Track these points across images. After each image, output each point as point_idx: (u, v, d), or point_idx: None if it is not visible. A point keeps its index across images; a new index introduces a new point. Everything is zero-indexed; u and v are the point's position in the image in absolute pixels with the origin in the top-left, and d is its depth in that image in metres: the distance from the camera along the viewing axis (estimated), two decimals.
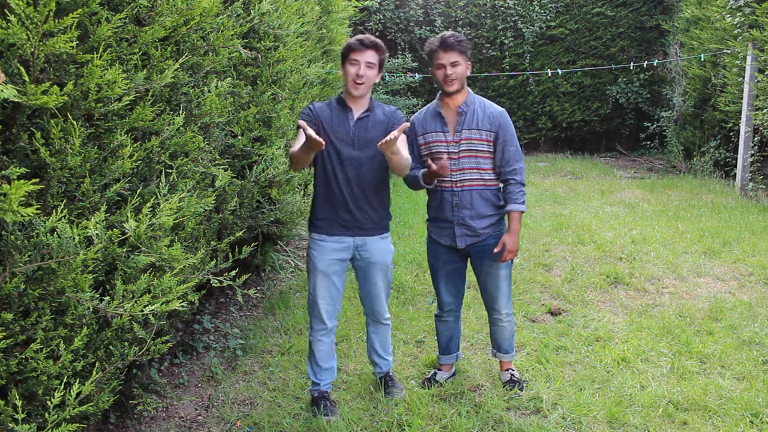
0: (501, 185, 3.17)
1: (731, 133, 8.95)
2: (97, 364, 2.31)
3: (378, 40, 2.98)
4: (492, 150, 3.06)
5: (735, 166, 8.66)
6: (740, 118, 8.24)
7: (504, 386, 3.33)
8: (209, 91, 2.95)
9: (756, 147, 8.25)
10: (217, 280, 3.06)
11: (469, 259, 3.27)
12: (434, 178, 3.04)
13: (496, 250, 3.06)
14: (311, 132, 2.60)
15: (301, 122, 2.71)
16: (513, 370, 3.42)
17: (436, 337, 3.50)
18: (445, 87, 2.99)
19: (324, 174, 3.03)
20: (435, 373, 3.47)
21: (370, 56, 2.92)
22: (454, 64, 2.94)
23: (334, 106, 3.06)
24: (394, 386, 3.32)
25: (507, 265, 3.19)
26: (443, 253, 3.23)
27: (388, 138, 2.64)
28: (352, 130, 3.00)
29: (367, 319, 3.33)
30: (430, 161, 2.98)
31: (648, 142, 12.28)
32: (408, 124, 2.85)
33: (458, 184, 3.07)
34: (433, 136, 3.09)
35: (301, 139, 2.85)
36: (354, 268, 3.21)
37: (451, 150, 3.05)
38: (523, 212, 3.08)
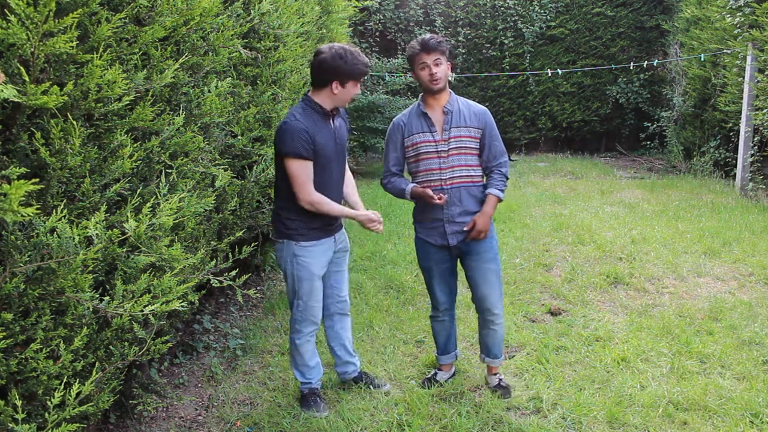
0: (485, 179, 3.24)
1: (731, 133, 8.95)
2: (97, 364, 2.31)
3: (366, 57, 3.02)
4: (478, 147, 3.13)
5: (735, 166, 8.65)
6: (740, 118, 8.23)
7: (492, 391, 3.30)
8: (209, 91, 2.95)
9: (756, 147, 8.25)
10: (217, 280, 3.06)
11: (459, 258, 3.27)
12: (421, 199, 3.14)
13: (465, 228, 3.11)
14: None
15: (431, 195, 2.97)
16: (501, 375, 3.41)
17: (434, 338, 3.50)
18: (431, 86, 3.02)
19: (314, 180, 2.98)
20: (435, 374, 3.47)
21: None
22: (437, 63, 2.99)
23: (311, 114, 2.95)
24: (376, 378, 3.42)
25: (494, 259, 3.20)
26: (434, 252, 3.23)
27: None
28: (336, 139, 3.04)
29: (334, 315, 3.33)
30: (431, 196, 3.03)
31: (648, 142, 12.27)
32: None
33: (448, 182, 3.09)
34: (420, 137, 3.11)
35: (309, 174, 2.91)
36: None
37: (440, 149, 3.08)
38: (500, 199, 3.13)
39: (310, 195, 2.92)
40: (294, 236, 3.01)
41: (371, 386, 3.34)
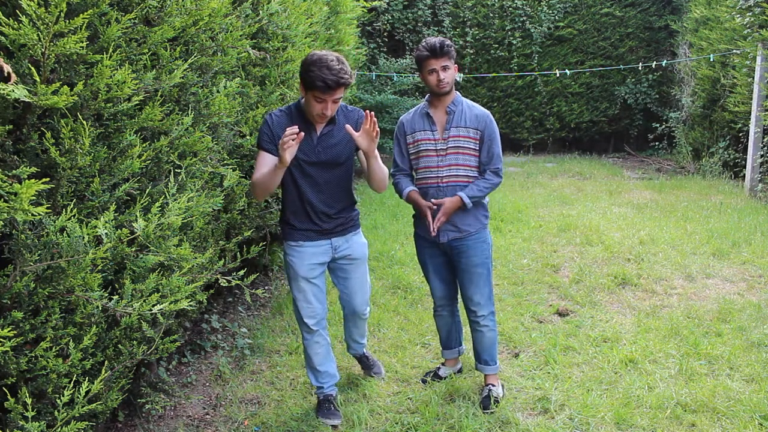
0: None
1: (740, 134, 8.89)
2: (106, 362, 2.32)
3: (344, 77, 2.71)
4: (477, 148, 3.14)
5: (744, 166, 8.60)
6: (749, 119, 8.18)
7: (479, 404, 3.19)
8: (218, 91, 2.96)
9: (765, 148, 8.19)
10: (226, 279, 3.07)
11: (451, 256, 3.23)
12: (415, 205, 3.18)
13: (434, 201, 3.09)
14: (287, 151, 2.58)
15: (286, 138, 2.57)
16: (494, 385, 3.28)
17: (438, 332, 3.52)
18: (438, 90, 3.08)
19: (293, 184, 2.95)
20: (439, 368, 3.50)
21: (339, 93, 2.73)
22: (445, 69, 3.04)
23: (295, 116, 2.89)
24: (374, 364, 3.53)
25: (484, 263, 3.18)
26: (428, 247, 3.28)
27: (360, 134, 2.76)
28: (317, 147, 2.90)
29: (347, 316, 3.34)
30: (426, 212, 3.09)
31: (656, 143, 12.22)
32: (371, 113, 2.79)
33: (444, 180, 3.12)
34: (421, 135, 3.16)
35: (266, 162, 2.79)
36: (331, 270, 3.17)
37: (438, 147, 3.12)
38: (465, 204, 3.07)
39: (253, 176, 2.84)
40: (285, 235, 3.07)
41: (366, 370, 3.52)
